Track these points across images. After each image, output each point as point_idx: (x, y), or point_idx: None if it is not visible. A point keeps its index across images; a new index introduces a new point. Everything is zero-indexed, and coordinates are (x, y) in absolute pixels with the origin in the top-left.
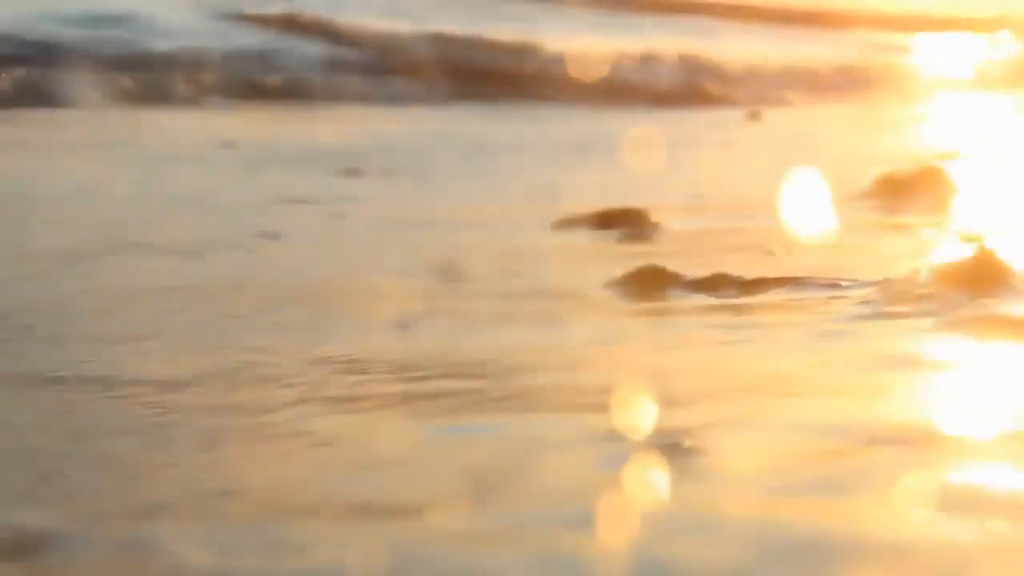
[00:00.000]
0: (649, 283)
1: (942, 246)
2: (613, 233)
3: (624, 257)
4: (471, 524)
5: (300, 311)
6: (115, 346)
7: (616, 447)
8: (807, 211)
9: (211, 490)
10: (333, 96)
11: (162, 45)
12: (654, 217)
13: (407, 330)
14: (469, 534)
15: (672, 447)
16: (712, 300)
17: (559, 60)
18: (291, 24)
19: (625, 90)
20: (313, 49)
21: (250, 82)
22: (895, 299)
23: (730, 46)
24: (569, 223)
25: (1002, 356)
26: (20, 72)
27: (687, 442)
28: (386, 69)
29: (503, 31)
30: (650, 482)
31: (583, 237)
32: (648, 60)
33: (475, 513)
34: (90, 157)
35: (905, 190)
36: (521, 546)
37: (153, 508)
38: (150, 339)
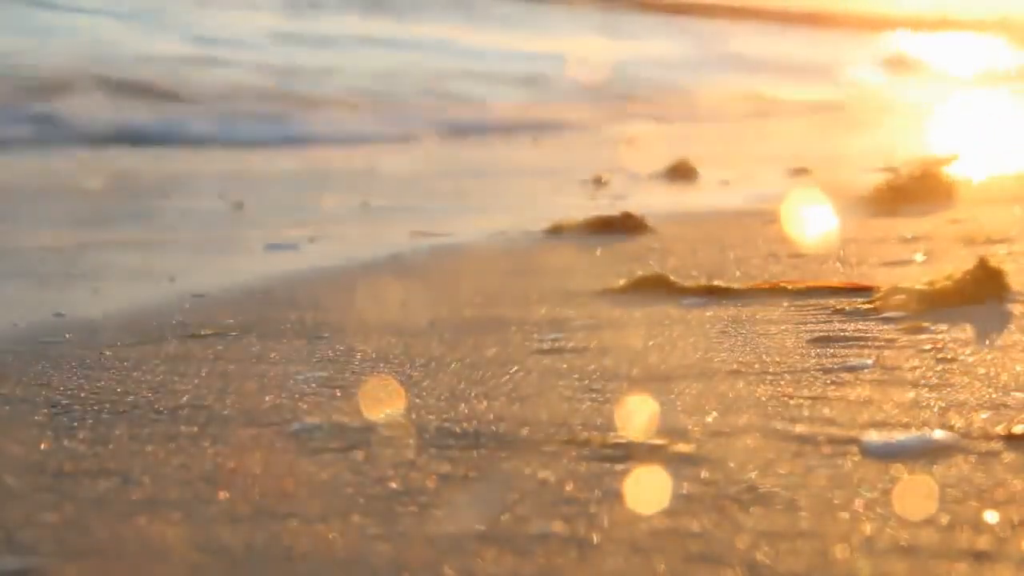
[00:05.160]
0: (649, 289)
1: (941, 252)
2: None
3: (622, 263)
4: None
5: None
6: None
7: (612, 451)
8: (809, 215)
9: None
10: None
11: None
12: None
13: None
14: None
15: (669, 450)
16: (710, 305)
17: None
18: None
19: None
20: None
21: None
22: (893, 306)
23: None
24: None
25: (999, 361)
26: None
27: (683, 446)
28: None
29: None
30: (647, 486)
31: (580, 242)
32: None
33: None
34: None
35: (907, 195)
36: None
37: None
38: None
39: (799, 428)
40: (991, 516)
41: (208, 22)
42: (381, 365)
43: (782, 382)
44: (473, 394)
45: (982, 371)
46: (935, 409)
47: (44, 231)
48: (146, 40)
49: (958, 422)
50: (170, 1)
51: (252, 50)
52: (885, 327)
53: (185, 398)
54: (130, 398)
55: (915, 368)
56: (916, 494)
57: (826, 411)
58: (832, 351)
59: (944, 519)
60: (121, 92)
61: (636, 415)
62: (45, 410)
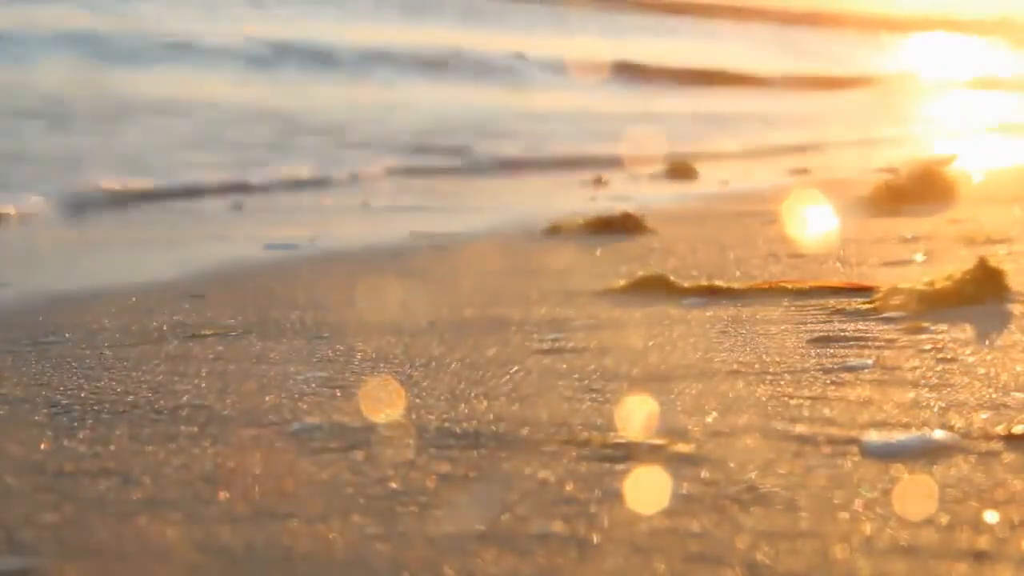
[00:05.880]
0: (649, 289)
1: (941, 252)
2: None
3: (622, 263)
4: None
5: None
6: None
7: (612, 451)
8: (809, 216)
9: None
10: None
11: None
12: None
13: None
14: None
15: (669, 450)
16: (710, 305)
17: None
18: None
19: None
20: None
21: None
22: (893, 306)
23: None
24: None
25: (999, 361)
26: None
27: (683, 446)
28: None
29: None
30: (648, 485)
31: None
32: None
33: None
34: None
35: (907, 195)
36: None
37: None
38: None
39: (799, 428)
40: (991, 516)
41: None
42: (381, 365)
43: (782, 382)
44: (473, 394)
45: (982, 371)
46: (935, 409)
47: None
48: None
49: (958, 422)
50: None
51: None
52: (885, 327)
53: (185, 398)
54: (130, 398)
55: (915, 368)
56: (916, 494)
57: (826, 411)
58: (832, 351)
59: (944, 519)
60: None
61: (636, 415)
62: (45, 410)
